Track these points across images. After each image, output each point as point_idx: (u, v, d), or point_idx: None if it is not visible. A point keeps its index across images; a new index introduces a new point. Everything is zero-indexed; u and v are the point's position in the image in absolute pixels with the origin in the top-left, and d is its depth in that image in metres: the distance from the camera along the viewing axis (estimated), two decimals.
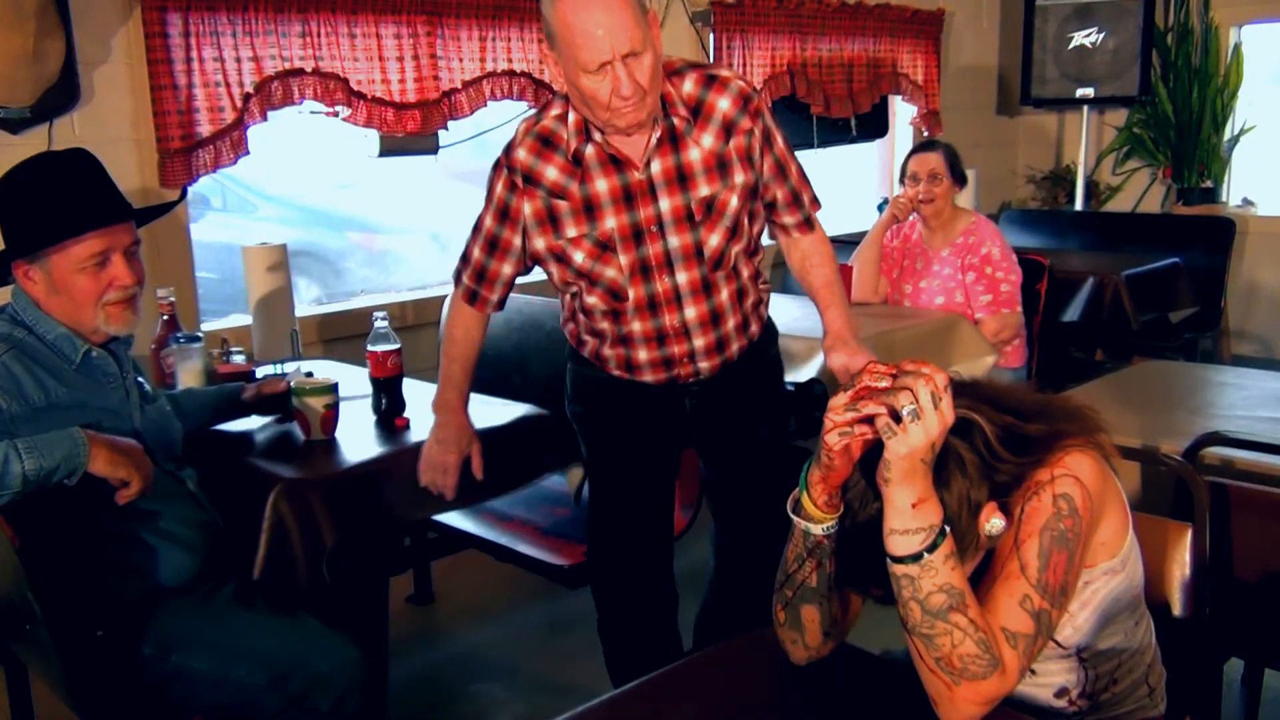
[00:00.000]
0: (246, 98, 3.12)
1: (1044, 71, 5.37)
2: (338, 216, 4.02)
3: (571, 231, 2.05)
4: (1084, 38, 5.26)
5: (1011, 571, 1.30)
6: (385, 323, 2.51)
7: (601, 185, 2.02)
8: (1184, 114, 5.53)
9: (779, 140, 2.13)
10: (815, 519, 1.35)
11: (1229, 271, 4.88)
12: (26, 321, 1.94)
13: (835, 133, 5.00)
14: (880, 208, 5.16)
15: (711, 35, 4.41)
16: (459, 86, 3.58)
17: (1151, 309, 4.34)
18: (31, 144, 2.73)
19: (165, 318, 2.65)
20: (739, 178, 2.05)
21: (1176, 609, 1.69)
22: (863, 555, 1.31)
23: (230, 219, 3.89)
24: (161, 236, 3.14)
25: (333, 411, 2.33)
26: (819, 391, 3.02)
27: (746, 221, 2.10)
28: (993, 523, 1.30)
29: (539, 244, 2.09)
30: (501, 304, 2.22)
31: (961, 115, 5.73)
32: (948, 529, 1.24)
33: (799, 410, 2.97)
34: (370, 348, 2.47)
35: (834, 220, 5.06)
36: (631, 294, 2.07)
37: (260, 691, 1.88)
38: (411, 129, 3.47)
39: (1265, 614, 1.85)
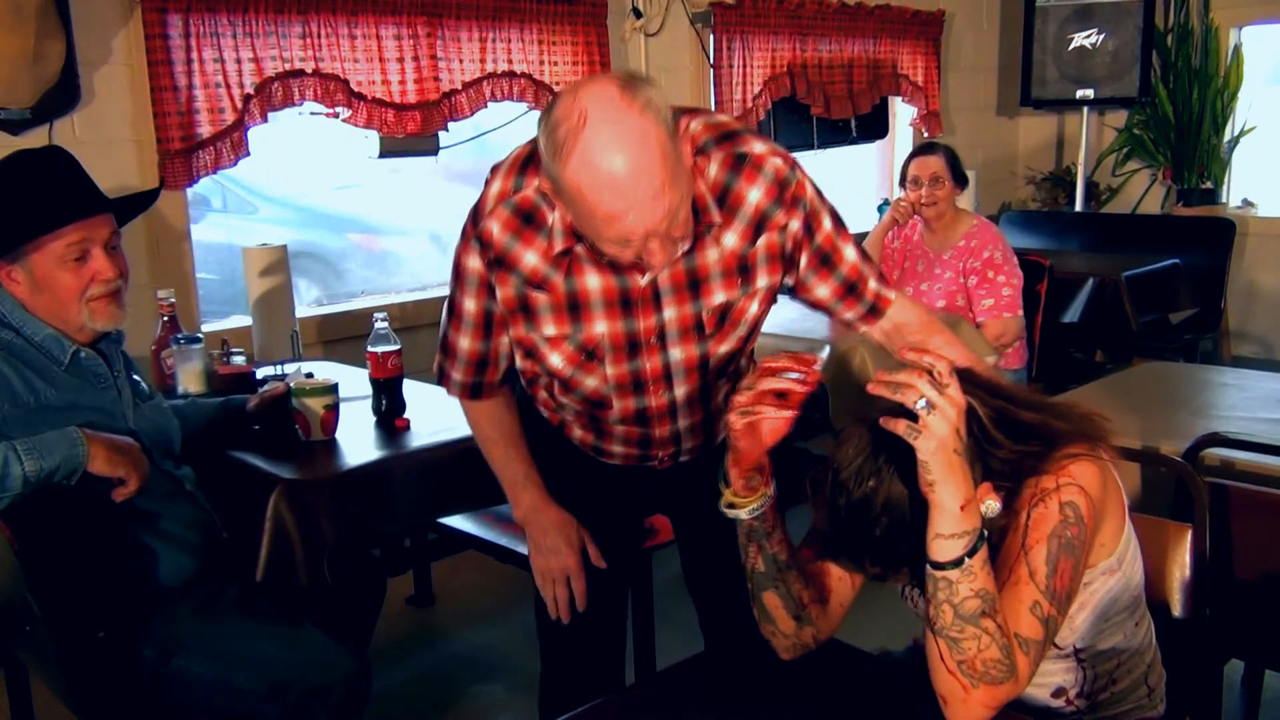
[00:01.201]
0: (247, 99, 3.12)
1: (1044, 72, 5.37)
2: (338, 217, 4.01)
3: (550, 329, 1.64)
4: (1084, 39, 5.26)
5: (1020, 578, 1.30)
6: (385, 324, 2.51)
7: (592, 282, 1.60)
8: (1184, 115, 5.53)
9: (825, 222, 1.66)
10: (739, 504, 1.41)
11: (1229, 272, 4.88)
12: (13, 323, 1.93)
13: (835, 134, 5.01)
14: (881, 209, 5.16)
15: (711, 36, 4.41)
16: (459, 87, 3.58)
17: (1151, 310, 4.34)
18: (32, 145, 2.72)
19: (166, 319, 2.65)
20: (763, 281, 1.66)
21: (1176, 610, 1.69)
22: (856, 534, 1.32)
23: (230, 220, 3.89)
24: (161, 237, 3.14)
25: (333, 412, 2.33)
26: (818, 392, 3.01)
27: (763, 319, 1.75)
28: (988, 504, 1.30)
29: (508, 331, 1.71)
30: (509, 377, 1.81)
31: (961, 116, 5.74)
32: (985, 533, 1.25)
33: (799, 412, 2.96)
34: (370, 348, 2.47)
35: None
36: (617, 405, 1.72)
37: (259, 699, 1.87)
38: (412, 130, 3.47)
39: (1265, 615, 1.86)
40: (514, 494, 1.85)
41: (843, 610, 1.51)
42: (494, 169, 1.64)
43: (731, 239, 1.60)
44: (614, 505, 1.92)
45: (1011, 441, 1.34)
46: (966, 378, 1.35)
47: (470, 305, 1.68)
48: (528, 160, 1.58)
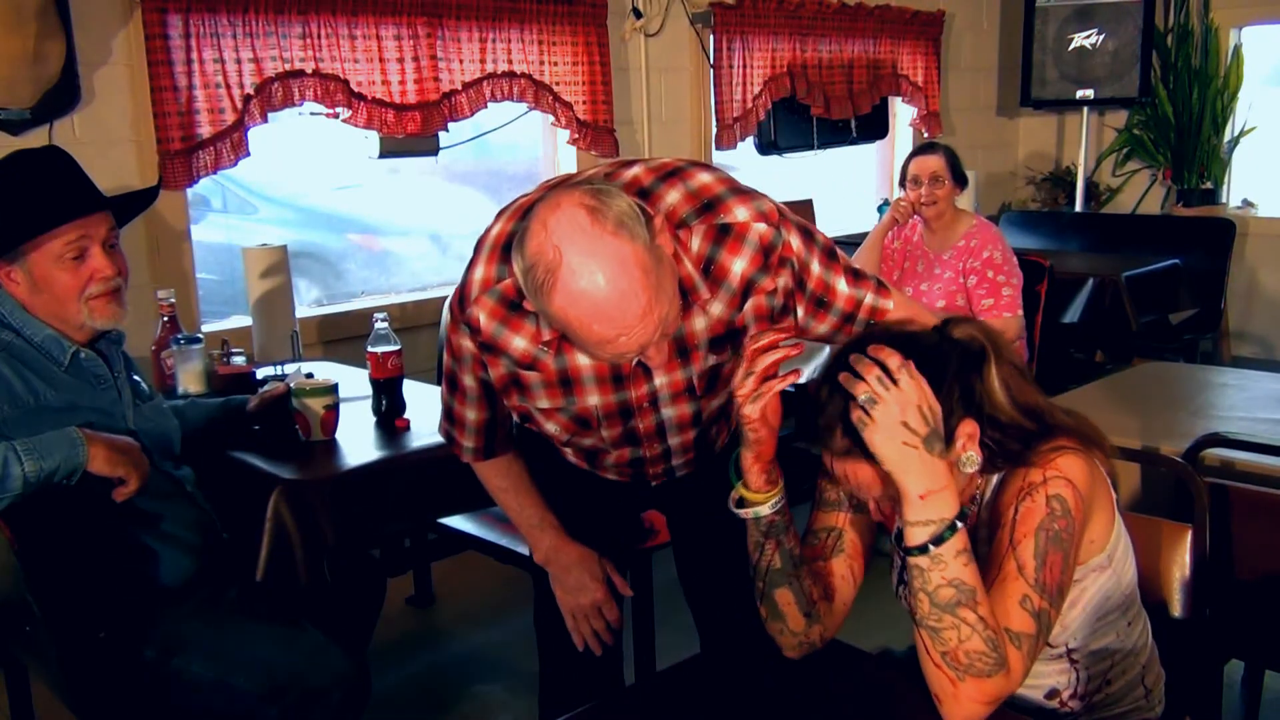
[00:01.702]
0: (247, 99, 3.12)
1: (1044, 73, 5.37)
2: (338, 218, 4.01)
3: (544, 403, 1.66)
4: (1084, 39, 5.26)
5: (1009, 572, 1.31)
6: (385, 324, 2.51)
7: (583, 360, 1.60)
8: (1184, 115, 5.53)
9: (814, 267, 1.63)
10: (760, 500, 1.41)
11: (1229, 273, 4.88)
12: (13, 324, 1.93)
13: (835, 134, 5.00)
14: (880, 209, 5.17)
15: (711, 36, 4.41)
16: (459, 88, 3.58)
17: (1151, 310, 4.34)
18: (32, 146, 2.72)
19: (166, 319, 2.65)
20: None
21: (1176, 610, 1.69)
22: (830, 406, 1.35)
23: (230, 220, 3.88)
24: (162, 238, 3.14)
25: (333, 412, 2.33)
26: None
27: None
28: (968, 455, 1.31)
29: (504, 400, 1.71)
30: (515, 431, 1.82)
31: (961, 117, 5.74)
32: (960, 524, 1.27)
33: (799, 412, 2.96)
34: (370, 349, 2.47)
35: (834, 222, 5.09)
36: (613, 454, 1.76)
37: (258, 700, 1.87)
38: (412, 130, 3.47)
39: (1265, 615, 1.85)
40: (532, 538, 1.87)
41: (845, 609, 1.51)
42: (477, 243, 1.61)
43: (718, 308, 1.59)
44: (612, 510, 1.93)
45: (1011, 407, 1.35)
46: (989, 338, 1.38)
47: (470, 381, 1.68)
48: (508, 244, 1.51)
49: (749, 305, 1.60)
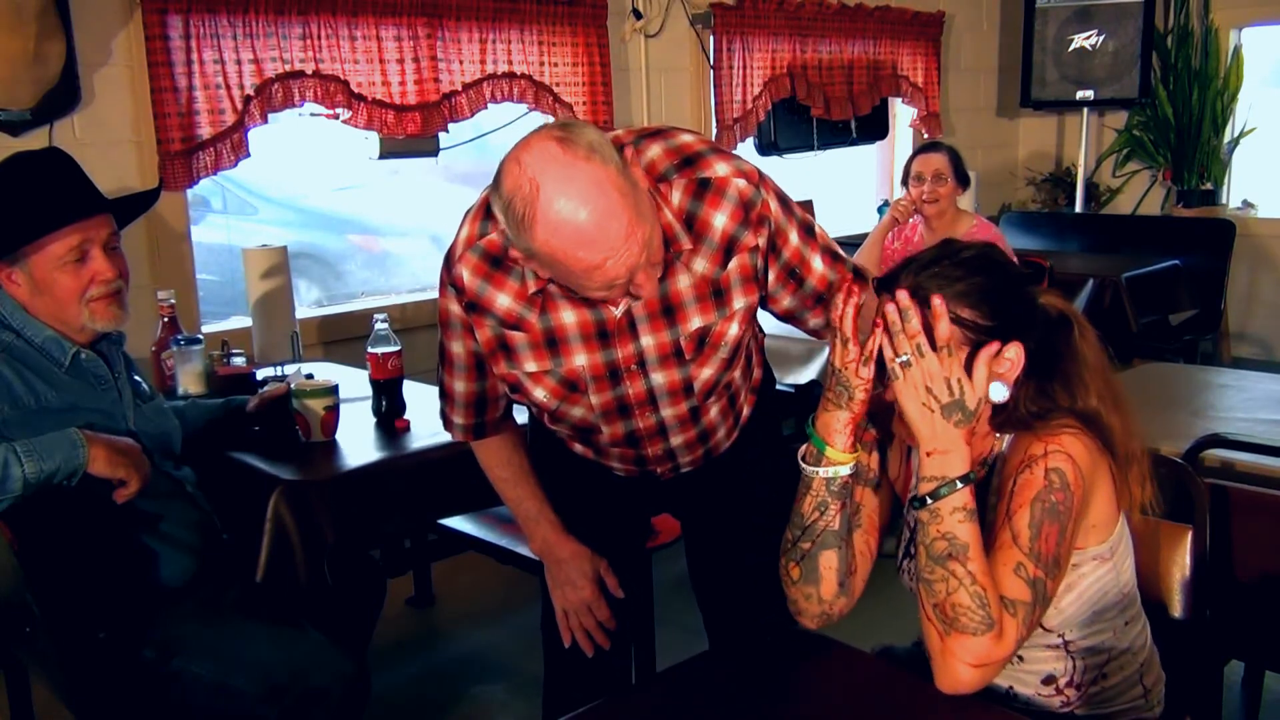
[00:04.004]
0: (247, 100, 3.12)
1: (1044, 74, 5.37)
2: (338, 218, 4.01)
3: (530, 366, 1.65)
4: (1084, 40, 5.26)
5: (1004, 541, 1.34)
6: (385, 325, 2.51)
7: (568, 317, 1.60)
8: (1184, 116, 5.53)
9: (791, 237, 1.64)
10: (843, 461, 1.41)
11: (1229, 274, 4.88)
12: (14, 325, 1.93)
13: (835, 135, 5.01)
14: (881, 210, 5.17)
15: (711, 37, 4.41)
16: (459, 89, 3.58)
17: (1151, 311, 4.34)
18: (32, 147, 2.72)
19: (166, 320, 2.65)
20: (739, 303, 1.65)
21: (1176, 610, 1.69)
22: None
23: (230, 221, 3.88)
24: (162, 239, 3.15)
25: (333, 413, 2.33)
26: (819, 394, 3.01)
27: (749, 340, 1.76)
28: (995, 386, 1.36)
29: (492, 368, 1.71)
30: (510, 412, 1.83)
31: (961, 117, 5.74)
32: (961, 485, 1.32)
33: (799, 413, 2.97)
34: (370, 350, 2.47)
35: (834, 223, 5.09)
36: (606, 430, 1.73)
37: (258, 701, 1.87)
38: (412, 131, 3.47)
39: (1265, 616, 1.86)
40: (529, 530, 1.87)
41: (862, 585, 1.53)
42: (465, 215, 1.65)
43: (702, 264, 1.59)
44: (621, 510, 1.92)
45: (1046, 375, 1.42)
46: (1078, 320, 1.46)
47: (458, 349, 1.70)
48: (490, 211, 1.54)
49: (734, 264, 1.61)
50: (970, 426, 1.34)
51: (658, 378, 1.67)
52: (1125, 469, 1.42)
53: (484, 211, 1.59)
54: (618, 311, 1.60)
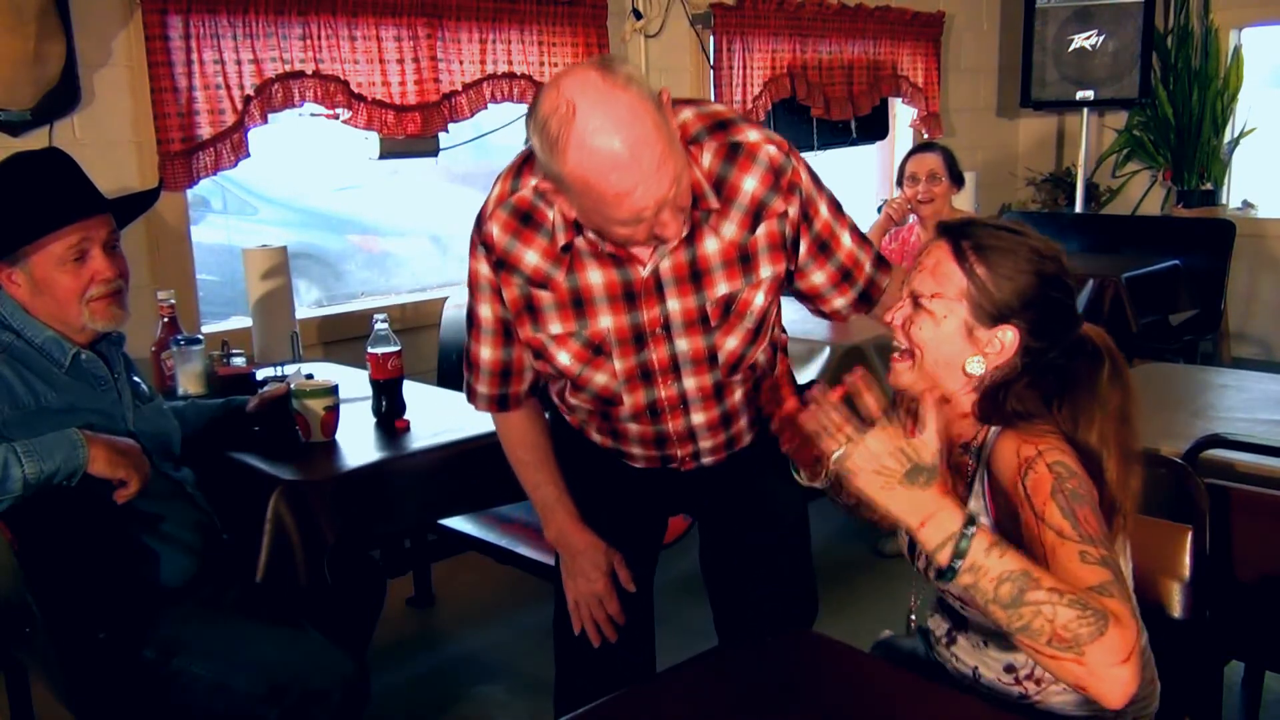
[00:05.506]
0: (247, 100, 3.12)
1: (1044, 74, 5.37)
2: (338, 219, 4.02)
3: (556, 328, 1.65)
4: (1084, 40, 5.26)
5: (1053, 543, 1.29)
6: (385, 325, 2.51)
7: (595, 277, 1.61)
8: (1184, 116, 5.53)
9: (822, 209, 1.68)
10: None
11: (1229, 274, 4.87)
12: (14, 325, 1.93)
13: (835, 135, 5.01)
14: (880, 210, 5.16)
15: (711, 37, 4.41)
16: (459, 89, 3.58)
17: (1151, 311, 4.34)
18: (32, 147, 2.72)
19: (166, 320, 2.65)
20: (766, 271, 1.65)
21: (1176, 611, 1.69)
22: None
23: (230, 221, 3.89)
24: (162, 239, 3.14)
25: (333, 413, 2.33)
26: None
27: (774, 315, 1.75)
28: (973, 360, 1.42)
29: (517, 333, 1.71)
30: (537, 386, 1.81)
31: (961, 117, 5.74)
32: (972, 529, 1.24)
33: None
34: (370, 350, 2.47)
35: None
36: (628, 401, 1.71)
37: (257, 702, 1.87)
38: (412, 131, 3.47)
39: (1265, 616, 1.86)
40: (545, 516, 1.86)
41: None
42: (496, 178, 1.66)
43: (730, 229, 1.61)
44: (639, 505, 1.91)
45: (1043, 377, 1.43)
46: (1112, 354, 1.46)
47: (486, 312, 1.70)
48: (523, 163, 1.61)
49: (762, 230, 1.62)
50: (940, 481, 1.28)
51: (682, 344, 1.67)
52: (1109, 513, 1.40)
53: (516, 170, 1.62)
54: (645, 271, 1.60)
